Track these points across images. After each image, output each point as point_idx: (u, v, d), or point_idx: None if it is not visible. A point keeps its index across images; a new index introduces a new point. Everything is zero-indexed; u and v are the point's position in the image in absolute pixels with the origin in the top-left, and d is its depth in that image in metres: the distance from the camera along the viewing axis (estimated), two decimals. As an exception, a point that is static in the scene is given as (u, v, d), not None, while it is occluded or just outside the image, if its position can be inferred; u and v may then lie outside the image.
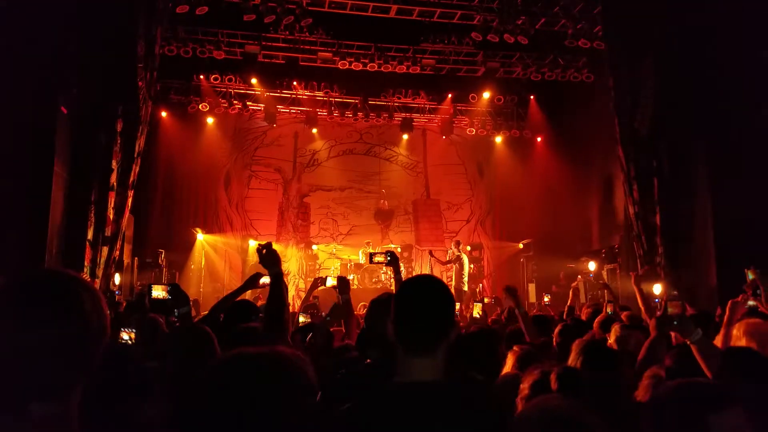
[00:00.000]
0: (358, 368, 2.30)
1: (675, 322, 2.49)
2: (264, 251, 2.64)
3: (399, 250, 13.33)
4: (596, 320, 4.36)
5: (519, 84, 13.32)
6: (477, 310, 5.18)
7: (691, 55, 7.85)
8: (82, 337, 1.12)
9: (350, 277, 12.27)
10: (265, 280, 3.91)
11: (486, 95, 13.56)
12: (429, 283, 1.73)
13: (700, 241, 8.14)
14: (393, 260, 3.70)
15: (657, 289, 8.09)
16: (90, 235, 8.16)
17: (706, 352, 2.39)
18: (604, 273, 10.59)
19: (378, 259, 3.92)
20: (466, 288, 11.54)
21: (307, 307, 6.21)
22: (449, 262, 12.01)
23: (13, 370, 1.06)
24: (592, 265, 10.95)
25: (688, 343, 2.44)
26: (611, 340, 3.62)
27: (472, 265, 12.32)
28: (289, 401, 1.11)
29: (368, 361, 2.28)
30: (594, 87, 11.92)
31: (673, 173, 8.40)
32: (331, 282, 3.89)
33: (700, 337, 2.43)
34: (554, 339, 3.72)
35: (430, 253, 12.24)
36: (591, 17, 10.36)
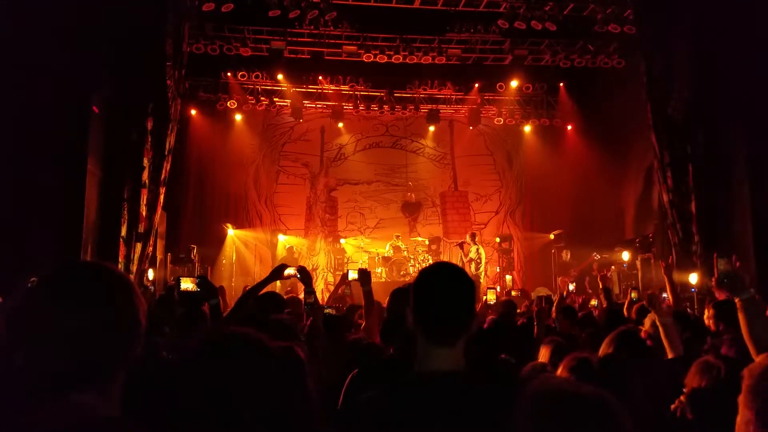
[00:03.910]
0: (380, 358, 2.29)
1: (725, 279, 2.43)
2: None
3: (427, 242, 13.28)
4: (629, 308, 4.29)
5: (548, 71, 13.03)
6: (492, 296, 5.19)
7: (727, 36, 7.55)
8: (119, 326, 1.14)
9: (378, 270, 12.27)
10: (290, 271, 3.93)
11: (514, 84, 13.30)
12: (451, 271, 1.68)
13: (738, 228, 7.86)
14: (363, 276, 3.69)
15: (693, 278, 7.84)
16: (123, 231, 8.38)
17: (753, 312, 2.31)
18: (638, 263, 10.33)
19: (352, 276, 3.94)
20: (482, 279, 11.47)
21: (336, 299, 6.27)
22: (472, 259, 11.89)
23: (52, 358, 1.08)
24: (625, 255, 10.70)
25: (737, 300, 2.36)
26: (646, 327, 3.54)
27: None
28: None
29: (391, 350, 2.26)
30: (625, 73, 11.59)
31: (708, 159, 8.11)
32: (352, 275, 3.90)
33: (750, 296, 2.35)
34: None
35: (460, 246, 12.11)
36: (621, 0, 10.06)
